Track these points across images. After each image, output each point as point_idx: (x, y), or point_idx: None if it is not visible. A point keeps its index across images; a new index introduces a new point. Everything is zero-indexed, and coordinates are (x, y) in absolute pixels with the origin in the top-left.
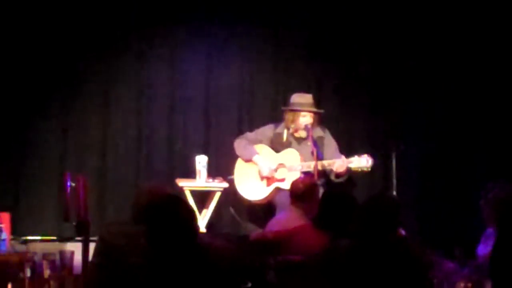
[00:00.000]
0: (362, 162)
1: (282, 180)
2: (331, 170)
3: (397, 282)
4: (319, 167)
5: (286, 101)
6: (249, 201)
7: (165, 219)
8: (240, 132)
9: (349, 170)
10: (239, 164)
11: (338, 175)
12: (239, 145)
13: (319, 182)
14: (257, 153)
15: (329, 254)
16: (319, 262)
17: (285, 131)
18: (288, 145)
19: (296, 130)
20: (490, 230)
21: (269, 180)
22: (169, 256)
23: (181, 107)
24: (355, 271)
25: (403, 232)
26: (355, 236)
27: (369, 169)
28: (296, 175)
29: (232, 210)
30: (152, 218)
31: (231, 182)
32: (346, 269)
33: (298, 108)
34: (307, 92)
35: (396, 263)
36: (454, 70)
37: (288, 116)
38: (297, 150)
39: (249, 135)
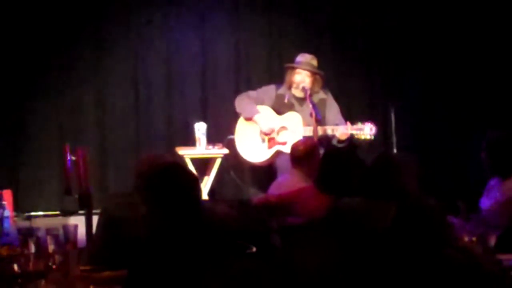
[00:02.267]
0: (365, 130)
1: (284, 143)
2: (334, 136)
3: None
4: (321, 132)
5: (281, 64)
6: (250, 164)
7: (167, 187)
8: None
9: (351, 137)
10: (240, 125)
11: (340, 142)
12: (241, 102)
13: (319, 145)
14: (258, 112)
15: (335, 213)
16: (325, 223)
17: (287, 93)
18: (290, 106)
19: (295, 87)
20: (492, 183)
21: (271, 142)
22: (172, 224)
23: (177, 75)
24: (364, 229)
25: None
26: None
27: (372, 138)
28: (298, 138)
29: (233, 174)
30: (154, 187)
31: (231, 143)
32: (354, 227)
33: (295, 65)
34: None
35: (409, 222)
36: (450, 25)
37: (288, 74)
38: (299, 111)
39: (251, 93)
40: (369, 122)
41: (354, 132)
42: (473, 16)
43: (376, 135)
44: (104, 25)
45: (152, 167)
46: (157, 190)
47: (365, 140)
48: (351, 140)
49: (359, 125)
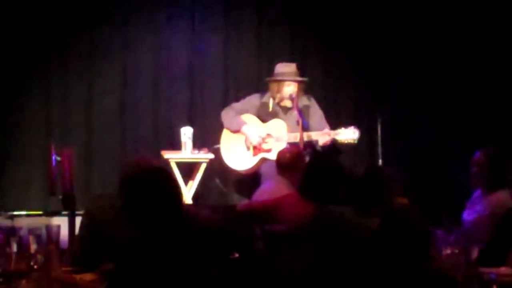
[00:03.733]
0: (348, 134)
1: (269, 150)
2: (317, 141)
3: (390, 248)
4: (305, 138)
5: (271, 70)
6: (235, 171)
7: (147, 190)
8: (225, 103)
9: (335, 141)
10: (226, 134)
11: (323, 147)
12: (226, 116)
13: (305, 152)
14: (245, 123)
15: (319, 221)
16: (309, 230)
17: (271, 101)
18: (274, 114)
19: (281, 100)
20: (475, 195)
21: (256, 150)
22: (154, 228)
23: (165, 79)
24: (349, 238)
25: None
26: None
27: (356, 142)
28: (282, 145)
29: (217, 180)
30: (134, 190)
31: (217, 151)
32: (337, 236)
33: (282, 78)
34: (291, 61)
35: (391, 231)
36: (438, 35)
37: (273, 86)
38: (284, 119)
39: (235, 105)
40: (352, 126)
41: (337, 136)
42: (461, 28)
43: (359, 139)
44: (95, 26)
45: (134, 170)
46: (139, 194)
47: (348, 144)
48: (335, 145)
49: (342, 129)
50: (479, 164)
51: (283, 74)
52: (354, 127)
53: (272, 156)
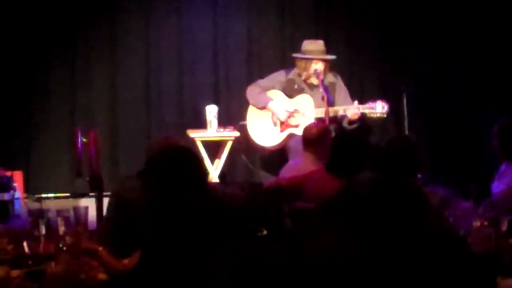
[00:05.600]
0: (377, 108)
1: (296, 126)
2: (345, 117)
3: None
4: (332, 114)
5: (294, 48)
6: (262, 148)
7: (173, 170)
8: (249, 80)
9: (363, 116)
10: (252, 111)
11: (351, 122)
12: (252, 92)
13: (331, 127)
14: (271, 100)
15: (347, 192)
16: (336, 205)
17: (297, 78)
18: (300, 91)
19: (308, 77)
20: (503, 167)
21: (283, 126)
22: (180, 208)
23: (189, 57)
24: (373, 210)
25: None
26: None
27: (384, 115)
28: (310, 121)
29: (244, 157)
30: (160, 170)
31: (243, 128)
32: (364, 207)
33: (310, 56)
34: (316, 37)
35: (408, 206)
36: (464, 11)
37: (300, 63)
38: (310, 95)
39: (261, 82)
40: (380, 100)
41: (366, 111)
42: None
43: (388, 113)
44: (119, 9)
45: (161, 151)
46: (165, 174)
47: (378, 118)
48: (364, 121)
49: (370, 103)
50: (493, 137)
51: (310, 52)
52: (383, 101)
53: (300, 131)
